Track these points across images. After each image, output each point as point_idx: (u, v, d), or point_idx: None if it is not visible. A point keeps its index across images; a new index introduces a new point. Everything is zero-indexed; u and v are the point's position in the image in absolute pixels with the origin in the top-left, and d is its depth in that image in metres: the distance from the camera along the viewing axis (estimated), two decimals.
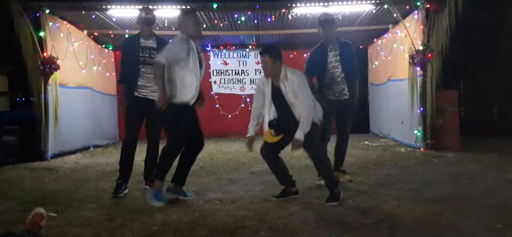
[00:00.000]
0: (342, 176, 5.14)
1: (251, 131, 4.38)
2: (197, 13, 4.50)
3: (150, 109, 4.56)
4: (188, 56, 4.23)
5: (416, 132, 7.98)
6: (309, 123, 4.12)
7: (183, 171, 4.52)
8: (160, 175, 4.32)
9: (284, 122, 4.28)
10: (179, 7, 7.90)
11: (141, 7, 4.96)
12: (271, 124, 4.30)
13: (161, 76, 4.14)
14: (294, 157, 7.26)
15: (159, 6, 7.85)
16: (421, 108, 7.81)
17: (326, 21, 5.18)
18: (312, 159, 4.40)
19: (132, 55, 4.77)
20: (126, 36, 4.92)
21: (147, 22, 4.83)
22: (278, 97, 4.26)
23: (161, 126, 4.66)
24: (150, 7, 5.06)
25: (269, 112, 4.35)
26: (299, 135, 4.07)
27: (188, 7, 7.55)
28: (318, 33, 5.30)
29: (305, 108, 4.12)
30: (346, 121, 5.20)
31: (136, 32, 5.00)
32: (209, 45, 11.67)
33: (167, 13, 8.24)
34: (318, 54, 5.14)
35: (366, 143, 9.38)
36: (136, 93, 4.75)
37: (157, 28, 9.44)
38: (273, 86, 4.27)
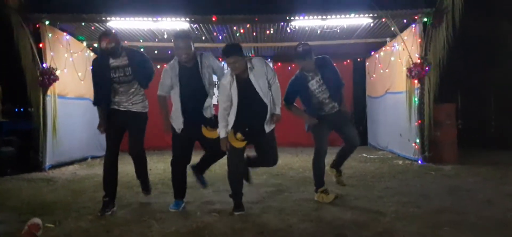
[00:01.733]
0: (336, 175, 5.15)
1: (223, 133, 4.32)
2: (181, 36, 4.42)
3: (130, 121, 4.56)
4: (175, 79, 4.42)
5: (413, 143, 8.00)
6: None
7: (204, 163, 4.83)
8: (175, 193, 4.61)
9: (250, 118, 4.31)
10: (178, 19, 7.97)
11: (101, 34, 4.58)
12: (239, 129, 4.29)
13: (163, 107, 4.52)
14: (293, 168, 7.28)
15: (159, 18, 7.91)
16: (419, 121, 7.84)
17: (306, 54, 4.74)
18: (274, 158, 4.58)
19: (104, 77, 4.48)
20: (95, 58, 4.72)
21: (108, 52, 4.40)
22: (247, 91, 4.26)
23: (142, 137, 4.68)
24: (109, 32, 4.68)
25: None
26: (278, 110, 4.40)
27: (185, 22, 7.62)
28: (297, 62, 4.92)
29: (277, 86, 4.42)
30: (347, 127, 5.02)
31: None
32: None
33: (167, 25, 8.28)
34: (298, 85, 4.87)
35: (364, 155, 9.38)
36: (115, 107, 4.57)
37: (157, 40, 9.52)
38: (240, 82, 4.26)
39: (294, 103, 4.95)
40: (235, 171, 4.44)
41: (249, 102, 4.27)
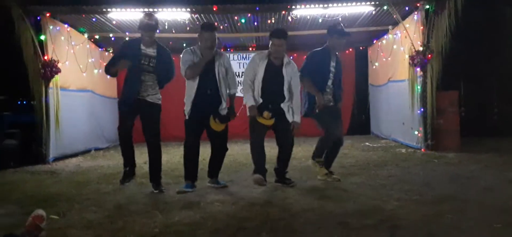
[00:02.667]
0: (330, 176, 5.21)
1: (251, 100, 4.72)
2: (209, 27, 4.83)
3: (145, 110, 4.76)
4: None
5: (416, 132, 7.99)
6: None
7: (212, 166, 5.09)
8: (186, 175, 4.91)
9: (271, 97, 4.77)
10: (179, 9, 7.95)
11: (143, 12, 4.95)
12: (265, 108, 4.72)
13: (197, 65, 4.76)
14: (296, 158, 7.29)
15: (160, 9, 7.88)
16: (422, 109, 7.83)
17: (343, 34, 5.11)
18: (289, 146, 4.96)
19: (133, 61, 4.71)
20: (127, 39, 4.93)
21: (148, 28, 4.71)
22: (273, 77, 4.73)
23: (158, 127, 4.93)
24: (153, 12, 5.06)
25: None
26: (298, 118, 4.87)
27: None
28: (326, 38, 5.17)
29: (298, 95, 4.91)
30: (338, 125, 5.18)
31: (137, 36, 4.94)
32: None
33: (168, 15, 8.26)
34: (323, 58, 5.07)
35: (367, 144, 9.38)
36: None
37: (158, 31, 9.47)
38: (272, 66, 4.76)
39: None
40: (258, 145, 4.78)
41: (272, 87, 4.75)
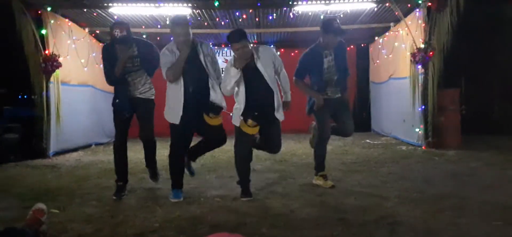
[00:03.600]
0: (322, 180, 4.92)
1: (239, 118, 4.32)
2: (179, 21, 4.34)
3: (139, 107, 4.63)
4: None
5: (417, 130, 7.99)
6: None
7: (197, 150, 4.66)
8: (174, 183, 4.46)
9: (258, 104, 4.28)
10: (180, 5, 7.92)
11: (113, 24, 4.58)
12: (248, 115, 4.27)
13: (174, 67, 4.27)
14: (296, 155, 7.29)
15: (161, 4, 7.86)
16: (423, 107, 7.82)
17: (342, 32, 4.76)
18: (277, 149, 4.60)
19: (114, 65, 4.54)
20: (104, 45, 4.75)
21: (123, 41, 4.44)
22: (254, 78, 4.25)
23: (152, 123, 4.72)
24: (121, 22, 4.73)
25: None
26: (288, 97, 4.54)
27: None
28: (319, 34, 4.84)
29: (285, 74, 4.50)
30: (345, 115, 4.95)
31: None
32: (210, 44, 11.66)
33: (169, 11, 8.24)
34: (312, 59, 4.80)
35: (368, 141, 9.38)
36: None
37: (159, 27, 9.48)
38: (247, 69, 4.22)
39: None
40: (243, 157, 4.46)
41: (256, 89, 4.27)
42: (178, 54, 4.26)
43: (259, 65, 4.25)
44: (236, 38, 4.15)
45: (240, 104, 4.31)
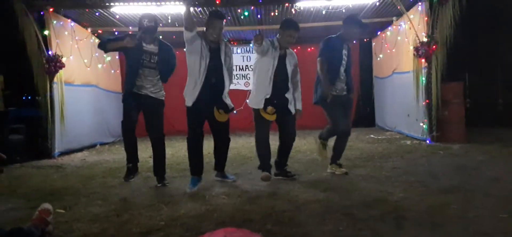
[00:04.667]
0: (338, 169, 5.21)
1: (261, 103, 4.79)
2: (219, 16, 4.70)
3: (148, 106, 4.83)
4: (205, 51, 4.64)
5: (421, 124, 7.97)
6: None
7: (218, 160, 5.03)
8: (192, 170, 4.80)
9: (278, 89, 4.77)
10: (181, 3, 7.92)
11: (149, 5, 4.92)
12: (269, 103, 4.74)
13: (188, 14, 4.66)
14: (301, 151, 7.29)
15: (162, 2, 7.86)
16: (427, 101, 7.79)
17: (363, 25, 5.21)
18: (291, 139, 4.96)
19: (134, 57, 4.77)
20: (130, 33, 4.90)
21: (148, 31, 4.74)
22: (280, 67, 4.78)
23: (162, 122, 4.97)
24: (152, 14, 4.97)
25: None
26: (300, 106, 4.95)
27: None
28: (342, 27, 5.11)
29: (299, 85, 4.99)
30: (347, 116, 5.18)
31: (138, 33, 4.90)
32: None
33: (170, 9, 8.25)
34: (336, 45, 5.05)
35: (372, 136, 9.37)
36: (135, 91, 4.81)
37: (161, 25, 9.47)
38: (279, 57, 4.78)
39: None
40: (263, 139, 4.82)
41: (280, 77, 4.76)
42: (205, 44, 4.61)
43: (287, 59, 4.81)
44: (296, 26, 4.80)
45: (266, 89, 4.73)
